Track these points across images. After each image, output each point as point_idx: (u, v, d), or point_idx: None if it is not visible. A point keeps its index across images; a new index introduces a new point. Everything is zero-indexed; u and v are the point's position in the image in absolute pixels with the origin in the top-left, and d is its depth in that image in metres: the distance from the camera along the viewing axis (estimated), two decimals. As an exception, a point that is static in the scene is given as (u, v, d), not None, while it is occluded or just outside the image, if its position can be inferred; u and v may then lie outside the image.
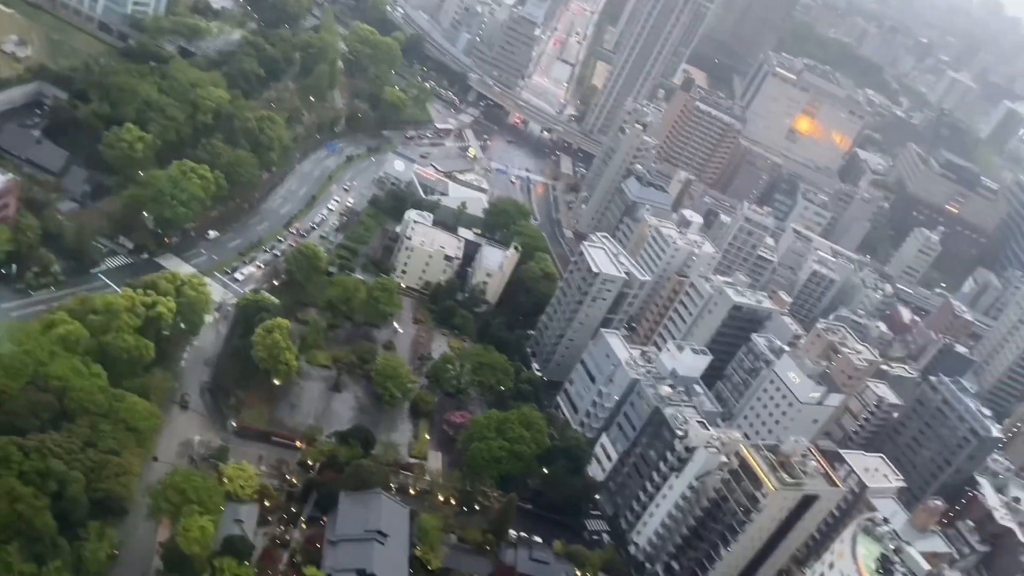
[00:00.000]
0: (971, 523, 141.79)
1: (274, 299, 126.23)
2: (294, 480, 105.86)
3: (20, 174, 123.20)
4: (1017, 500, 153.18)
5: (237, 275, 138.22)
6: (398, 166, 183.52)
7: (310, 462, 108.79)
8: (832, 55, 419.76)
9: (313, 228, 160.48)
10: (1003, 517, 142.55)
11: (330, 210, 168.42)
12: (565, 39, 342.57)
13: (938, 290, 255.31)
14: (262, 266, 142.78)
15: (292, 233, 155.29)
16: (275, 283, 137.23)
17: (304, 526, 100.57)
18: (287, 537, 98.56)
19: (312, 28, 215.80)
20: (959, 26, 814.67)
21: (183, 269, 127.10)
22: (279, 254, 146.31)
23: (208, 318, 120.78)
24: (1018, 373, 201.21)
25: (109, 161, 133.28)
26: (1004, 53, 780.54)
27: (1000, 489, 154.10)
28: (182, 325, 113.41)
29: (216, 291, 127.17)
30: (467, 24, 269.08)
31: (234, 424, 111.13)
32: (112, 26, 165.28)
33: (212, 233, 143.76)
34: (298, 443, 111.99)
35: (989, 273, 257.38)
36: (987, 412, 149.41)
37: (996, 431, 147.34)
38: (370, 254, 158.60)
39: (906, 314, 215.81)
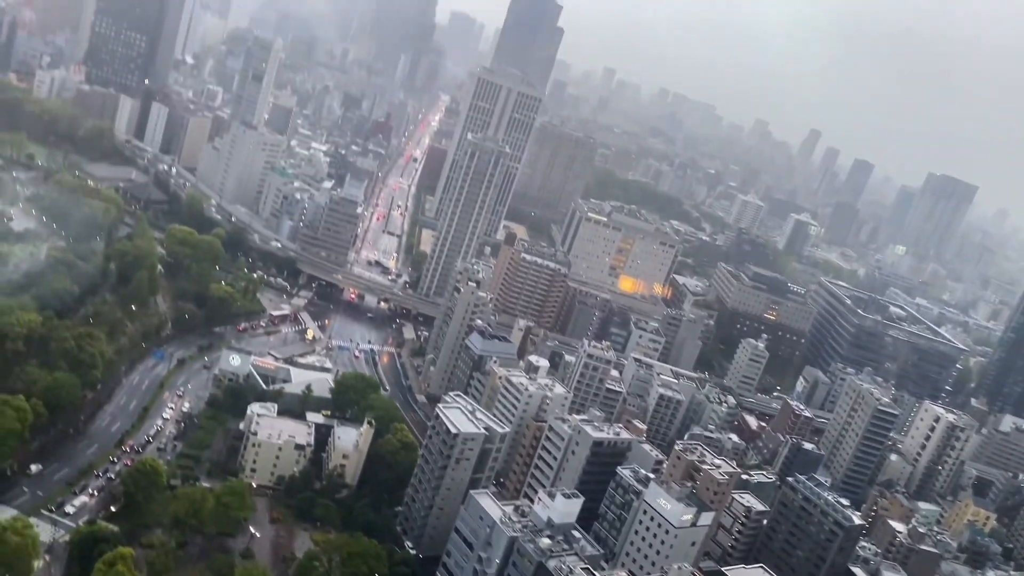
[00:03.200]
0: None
1: (112, 527, 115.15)
2: None
3: None
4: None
5: (67, 508, 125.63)
6: (234, 361, 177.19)
7: None
8: (635, 195, 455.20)
9: (148, 442, 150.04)
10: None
11: (165, 419, 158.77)
12: (387, 213, 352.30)
13: (775, 394, 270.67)
14: (95, 493, 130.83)
15: (126, 451, 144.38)
16: (112, 509, 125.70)
17: None
18: None
19: (126, 237, 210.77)
20: (737, 154, 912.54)
21: (2, 514, 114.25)
22: (113, 476, 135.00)
23: (38, 563, 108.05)
24: (862, 459, 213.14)
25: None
26: (780, 172, 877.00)
27: (873, 575, 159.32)
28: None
29: (44, 531, 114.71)
30: (288, 212, 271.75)
31: None
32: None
33: (34, 467, 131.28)
34: None
35: (816, 370, 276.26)
36: (845, 502, 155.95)
37: (857, 519, 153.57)
38: (214, 458, 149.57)
39: (752, 421, 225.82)
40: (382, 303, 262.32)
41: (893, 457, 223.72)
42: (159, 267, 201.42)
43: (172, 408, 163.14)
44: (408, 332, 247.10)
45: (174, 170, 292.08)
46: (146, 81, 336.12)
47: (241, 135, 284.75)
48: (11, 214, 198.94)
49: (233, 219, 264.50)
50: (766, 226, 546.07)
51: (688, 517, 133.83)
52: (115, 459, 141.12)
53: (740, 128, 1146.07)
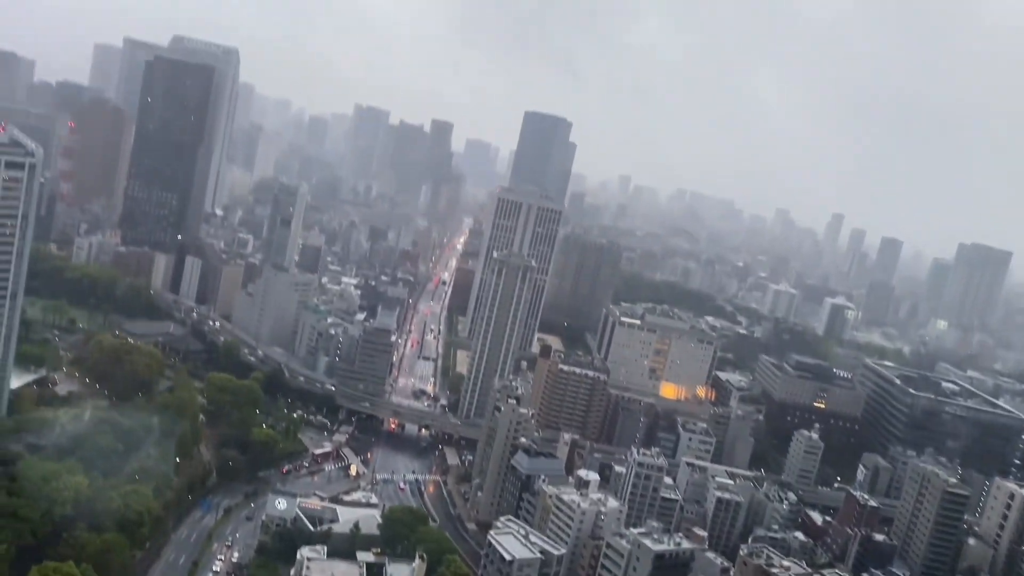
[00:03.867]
0: None
1: None
2: None
3: None
4: None
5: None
6: (280, 505, 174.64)
7: None
8: (665, 295, 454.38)
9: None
10: None
11: (215, 572, 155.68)
12: (421, 338, 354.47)
13: (836, 485, 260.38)
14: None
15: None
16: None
17: None
18: None
19: (167, 389, 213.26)
20: (763, 245, 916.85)
21: None
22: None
23: None
24: (939, 547, 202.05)
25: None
26: (808, 258, 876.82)
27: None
28: None
29: None
30: (324, 348, 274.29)
31: None
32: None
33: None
34: None
35: (875, 456, 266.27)
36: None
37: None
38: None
39: (817, 517, 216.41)
40: (423, 430, 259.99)
41: (971, 541, 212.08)
42: (201, 416, 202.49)
43: (222, 560, 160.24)
44: (452, 458, 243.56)
45: (216, 323, 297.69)
46: (179, 236, 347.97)
47: (273, 278, 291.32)
48: (55, 379, 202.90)
49: (278, 363, 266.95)
50: (802, 313, 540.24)
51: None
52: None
53: (762, 219, 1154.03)
